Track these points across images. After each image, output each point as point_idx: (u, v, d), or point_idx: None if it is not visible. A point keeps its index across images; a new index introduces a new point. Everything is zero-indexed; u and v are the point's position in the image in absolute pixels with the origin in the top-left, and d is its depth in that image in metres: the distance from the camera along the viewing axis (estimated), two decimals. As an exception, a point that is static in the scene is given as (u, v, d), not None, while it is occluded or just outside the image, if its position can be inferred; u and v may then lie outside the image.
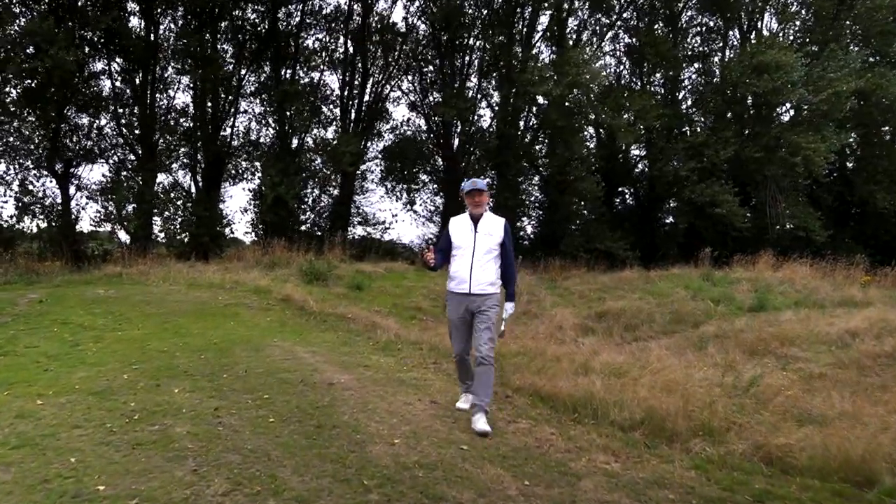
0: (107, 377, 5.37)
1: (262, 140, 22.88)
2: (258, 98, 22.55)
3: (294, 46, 22.39)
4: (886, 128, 24.67)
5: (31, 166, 19.26)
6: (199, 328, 8.30)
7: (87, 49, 18.69)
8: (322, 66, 23.30)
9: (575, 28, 25.23)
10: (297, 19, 22.61)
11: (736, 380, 7.12)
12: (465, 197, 4.93)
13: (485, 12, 23.02)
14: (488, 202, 4.99)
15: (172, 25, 20.81)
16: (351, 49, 23.37)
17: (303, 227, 21.62)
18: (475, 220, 4.89)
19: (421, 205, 25.37)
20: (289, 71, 22.32)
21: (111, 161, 20.62)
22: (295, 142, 22.58)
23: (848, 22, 24.17)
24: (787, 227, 22.57)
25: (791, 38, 24.39)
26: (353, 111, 23.72)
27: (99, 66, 19.77)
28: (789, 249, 19.34)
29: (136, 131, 20.45)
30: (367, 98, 23.94)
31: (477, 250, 4.81)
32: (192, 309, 9.82)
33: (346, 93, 23.55)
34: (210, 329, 8.27)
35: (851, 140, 22.88)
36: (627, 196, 26.98)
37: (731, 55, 24.48)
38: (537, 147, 24.86)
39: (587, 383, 5.86)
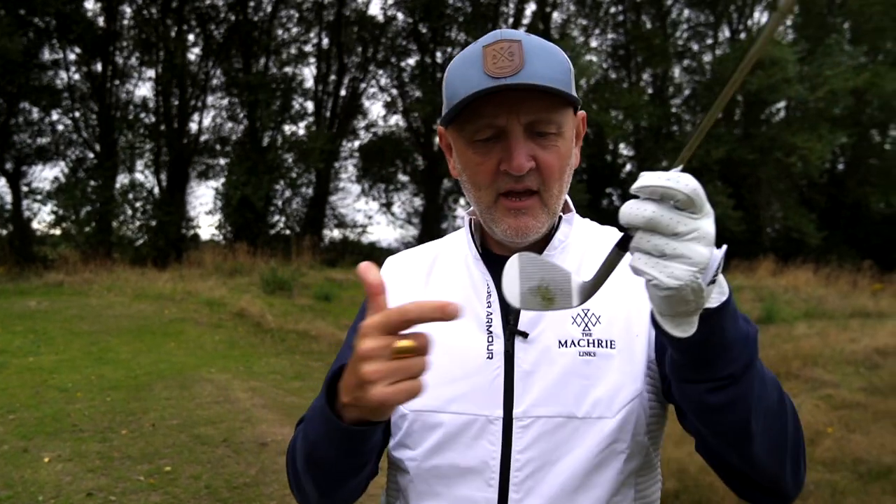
0: (-33, 434, 4.10)
1: (230, 136, 21.52)
2: (226, 92, 21.16)
3: (267, 36, 21.03)
4: (875, 130, 23.91)
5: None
6: (130, 351, 7.04)
7: (33, 36, 17.22)
8: (295, 59, 21.98)
9: (560, 23, 24.26)
10: (269, 9, 21.28)
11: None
12: (465, 138, 0.96)
13: (468, 3, 21.87)
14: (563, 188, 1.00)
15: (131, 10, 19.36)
16: (326, 41, 22.12)
17: (272, 231, 20.25)
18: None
19: (399, 206, 24.18)
20: (259, 63, 20.97)
21: (67, 159, 19.26)
22: (266, 140, 21.25)
23: (839, 19, 23.46)
24: (779, 228, 21.77)
25: (782, 34, 23.57)
26: (328, 107, 22.44)
27: (52, 55, 18.34)
28: (784, 252, 18.47)
29: (95, 127, 19.06)
30: (343, 93, 22.68)
31: (520, 442, 0.94)
32: (129, 326, 8.55)
33: (320, 87, 22.26)
34: (142, 353, 7.01)
35: (845, 140, 22.14)
36: (615, 198, 25.99)
37: (722, 52, 23.63)
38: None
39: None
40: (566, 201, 1.07)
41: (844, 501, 4.05)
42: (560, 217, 1.05)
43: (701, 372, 0.78)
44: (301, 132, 21.41)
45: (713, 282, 0.69)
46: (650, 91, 24.73)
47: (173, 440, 4.14)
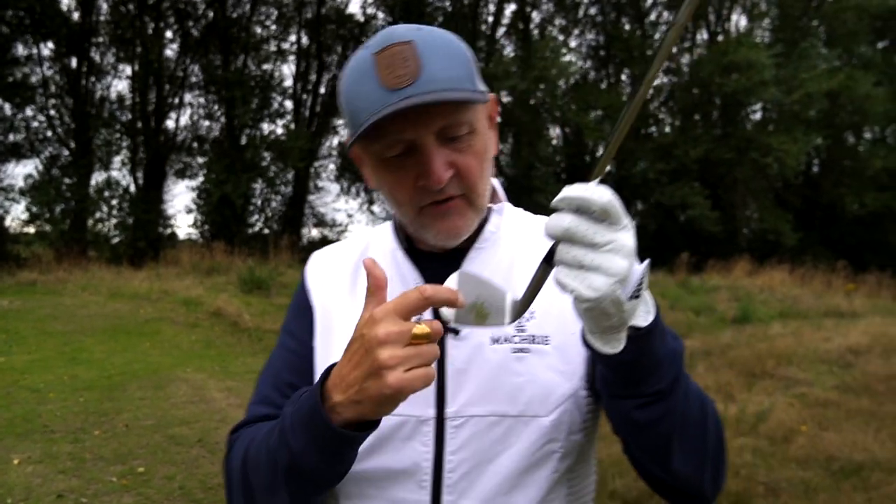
0: (-67, 437, 4.02)
1: (208, 135, 21.30)
2: (204, 90, 20.95)
3: (245, 34, 20.85)
4: (849, 132, 24.32)
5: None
6: (104, 351, 6.95)
7: (6, 30, 16.94)
8: (274, 57, 21.84)
9: (540, 22, 24.38)
10: (248, 6, 21.10)
11: (740, 412, 6.10)
12: (374, 142, 0.87)
13: (447, 2, 21.91)
14: (493, 179, 1.00)
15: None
16: (305, 39, 22.00)
17: (251, 230, 20.11)
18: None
19: (380, 205, 24.13)
20: (239, 61, 20.79)
21: (41, 156, 18.95)
22: (244, 138, 21.07)
23: (815, 22, 23.84)
24: (755, 229, 22.08)
25: (760, 37, 23.91)
26: (307, 105, 22.32)
27: (25, 50, 18.03)
28: (759, 252, 18.74)
29: (70, 124, 18.77)
30: (322, 91, 22.56)
31: (451, 446, 0.91)
32: (104, 326, 8.45)
33: (299, 86, 22.13)
34: (117, 353, 6.92)
35: (820, 141, 22.48)
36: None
37: (699, 53, 23.89)
38: (501, 146, 23.85)
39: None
40: (495, 190, 1.03)
41: (817, 498, 4.11)
42: (490, 208, 1.00)
43: (630, 388, 0.79)
44: (280, 131, 21.30)
45: (637, 296, 0.69)
46: (629, 91, 24.93)
47: (147, 441, 4.09)
